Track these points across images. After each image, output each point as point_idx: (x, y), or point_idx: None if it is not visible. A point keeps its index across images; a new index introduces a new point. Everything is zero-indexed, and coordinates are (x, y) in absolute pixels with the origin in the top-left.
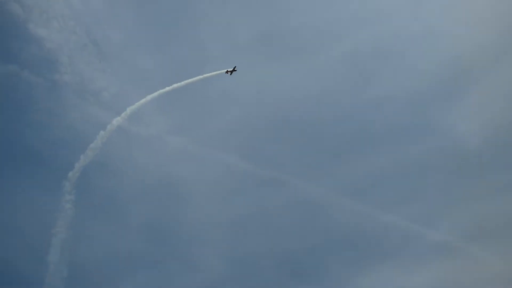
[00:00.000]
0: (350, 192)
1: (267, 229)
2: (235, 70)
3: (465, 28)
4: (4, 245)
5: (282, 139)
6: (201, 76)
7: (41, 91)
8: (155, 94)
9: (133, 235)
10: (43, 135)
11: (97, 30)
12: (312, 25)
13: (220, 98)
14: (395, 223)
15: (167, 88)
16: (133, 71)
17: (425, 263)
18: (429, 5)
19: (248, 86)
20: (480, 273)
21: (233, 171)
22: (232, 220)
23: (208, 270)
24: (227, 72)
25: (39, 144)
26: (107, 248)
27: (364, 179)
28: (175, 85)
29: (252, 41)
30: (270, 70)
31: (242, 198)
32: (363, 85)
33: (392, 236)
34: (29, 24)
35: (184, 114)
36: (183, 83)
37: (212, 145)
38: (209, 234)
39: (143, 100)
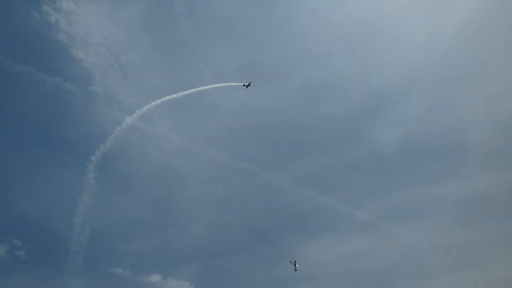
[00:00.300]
0: (302, 181)
1: (241, 206)
2: (250, 86)
3: (387, 68)
4: (42, 210)
5: (255, 141)
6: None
7: (78, 98)
8: (158, 101)
9: (141, 207)
10: (78, 130)
11: (121, 55)
12: (280, 59)
13: (212, 108)
14: (332, 205)
15: (167, 97)
16: (147, 86)
17: (353, 235)
18: (362, 49)
19: (232, 101)
20: (390, 244)
21: (218, 163)
22: (216, 198)
23: (197, 235)
24: (243, 85)
25: (74, 136)
26: (120, 215)
27: (312, 172)
28: (173, 95)
29: (236, 68)
30: (249, 90)
31: (224, 183)
32: (314, 104)
33: (330, 215)
34: (72, 49)
35: (184, 119)
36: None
37: (204, 143)
38: (198, 208)
39: (148, 106)
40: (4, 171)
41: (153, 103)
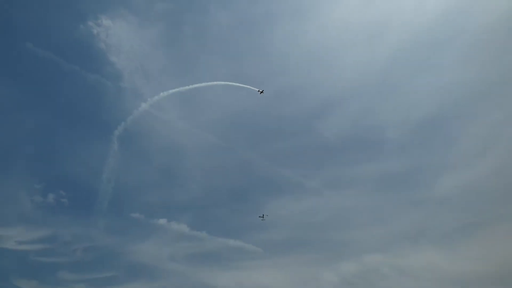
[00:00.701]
0: (270, 158)
1: (225, 174)
2: (263, 92)
3: (332, 81)
4: (81, 170)
5: (238, 128)
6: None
7: (112, 91)
8: (165, 93)
9: (153, 171)
10: (111, 114)
11: (144, 61)
12: (259, 71)
13: (209, 103)
14: (291, 176)
15: (174, 90)
16: (164, 86)
17: (304, 197)
18: (316, 67)
19: (224, 99)
20: (329, 205)
21: (210, 143)
22: (207, 168)
23: (192, 192)
24: (258, 91)
25: (108, 119)
26: (138, 176)
27: (277, 152)
28: (181, 88)
29: (228, 75)
30: (236, 91)
31: (214, 157)
32: (281, 105)
33: (289, 182)
34: (108, 54)
35: (188, 109)
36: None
37: (201, 128)
38: (194, 174)
39: (156, 96)
40: (55, 143)
41: (162, 94)
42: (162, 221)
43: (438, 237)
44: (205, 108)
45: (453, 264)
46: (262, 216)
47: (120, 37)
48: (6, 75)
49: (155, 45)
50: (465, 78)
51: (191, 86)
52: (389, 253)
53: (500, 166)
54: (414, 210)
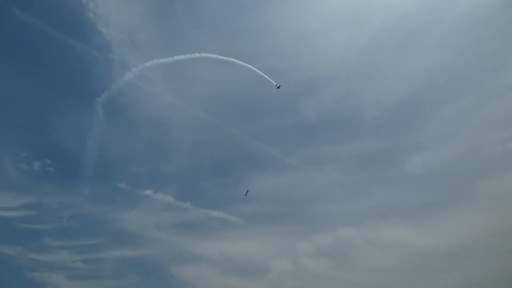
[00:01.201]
0: (254, 135)
1: (210, 148)
2: (280, 87)
3: (316, 64)
4: (69, 139)
5: (225, 104)
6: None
7: (100, 63)
8: (150, 62)
9: (141, 142)
10: (99, 85)
11: (134, 34)
12: (247, 49)
13: (197, 79)
14: (273, 152)
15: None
16: (150, 56)
17: (285, 173)
18: (301, 50)
19: (213, 74)
20: (308, 181)
21: (197, 117)
22: (193, 141)
23: (178, 165)
24: (276, 86)
25: (96, 89)
26: (126, 147)
27: (261, 129)
28: (169, 58)
29: (216, 53)
30: (225, 68)
31: (200, 131)
32: (267, 85)
33: (270, 158)
34: (97, 25)
35: (177, 84)
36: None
37: (189, 102)
38: (181, 147)
39: (141, 66)
40: (42, 112)
41: (146, 64)
42: (148, 191)
43: (407, 213)
44: (193, 83)
45: (419, 239)
46: (246, 191)
47: (109, 8)
48: None
49: (145, 18)
50: (441, 64)
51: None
52: (361, 226)
53: (468, 149)
54: (386, 187)
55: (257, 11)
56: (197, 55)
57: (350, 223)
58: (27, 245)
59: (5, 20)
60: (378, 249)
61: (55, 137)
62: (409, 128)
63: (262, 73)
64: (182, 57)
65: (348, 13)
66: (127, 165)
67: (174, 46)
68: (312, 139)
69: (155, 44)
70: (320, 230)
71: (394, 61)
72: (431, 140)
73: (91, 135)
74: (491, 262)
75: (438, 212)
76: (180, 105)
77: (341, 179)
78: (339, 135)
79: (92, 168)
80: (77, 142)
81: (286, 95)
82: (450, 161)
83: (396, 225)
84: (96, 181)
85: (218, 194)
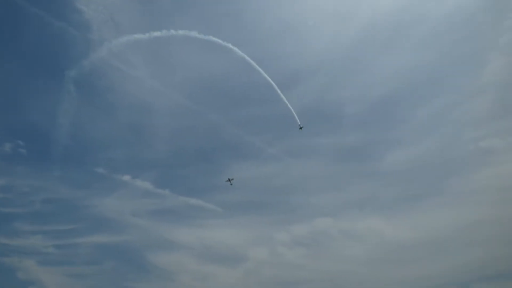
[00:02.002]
0: (237, 123)
1: (192, 135)
2: (302, 128)
3: (301, 55)
4: (41, 119)
5: (208, 92)
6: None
7: (78, 42)
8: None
9: (120, 126)
10: (75, 65)
11: (115, 14)
12: (231, 35)
13: (182, 66)
14: (255, 142)
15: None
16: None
17: (267, 163)
18: (286, 41)
19: (197, 61)
20: (289, 171)
21: (179, 103)
22: (175, 128)
23: (158, 151)
24: (299, 126)
25: (71, 69)
26: (103, 130)
27: (244, 118)
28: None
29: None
30: (209, 57)
31: (182, 118)
32: (250, 74)
33: (253, 148)
34: (76, 2)
35: (160, 69)
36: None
37: (171, 88)
38: (161, 133)
39: (115, 41)
40: (14, 91)
41: (121, 39)
42: (126, 177)
43: (382, 206)
44: (176, 68)
45: (394, 231)
46: (229, 180)
47: None
48: None
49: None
50: (422, 63)
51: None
52: (338, 217)
53: (442, 146)
54: (364, 181)
55: None
56: (174, 32)
57: (328, 214)
58: None
59: None
60: (353, 240)
61: (28, 118)
62: (388, 124)
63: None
64: (159, 33)
65: (335, 6)
66: (105, 149)
67: (156, 29)
68: (293, 130)
69: (137, 26)
70: (297, 220)
71: (377, 57)
72: (408, 137)
73: (67, 117)
74: (460, 253)
75: (412, 206)
76: (162, 90)
77: (320, 171)
78: (320, 128)
79: (66, 150)
80: (52, 124)
81: (270, 84)
82: (425, 158)
83: (372, 217)
84: (71, 165)
85: (198, 182)
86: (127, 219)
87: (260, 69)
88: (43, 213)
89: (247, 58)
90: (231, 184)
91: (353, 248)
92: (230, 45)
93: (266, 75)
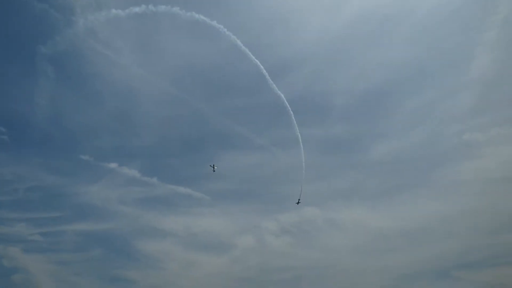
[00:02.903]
0: (224, 113)
1: (179, 124)
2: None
3: (292, 44)
4: (23, 105)
5: (196, 81)
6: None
7: (61, 25)
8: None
9: (105, 117)
10: (57, 49)
11: None
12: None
13: (169, 51)
14: (242, 132)
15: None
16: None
17: (253, 153)
18: (277, 29)
19: (185, 49)
20: (275, 162)
21: (167, 92)
22: (162, 117)
23: (145, 140)
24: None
25: (53, 55)
26: (89, 116)
27: (231, 108)
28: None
29: (189, 26)
30: (197, 46)
31: (169, 106)
32: (238, 62)
33: (240, 137)
34: None
35: (146, 56)
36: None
37: (159, 76)
38: (148, 122)
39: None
40: None
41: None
42: (113, 165)
43: (368, 196)
44: (163, 55)
45: (378, 221)
46: (213, 166)
47: None
48: None
49: None
50: (409, 57)
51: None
52: (324, 207)
53: (427, 139)
54: (350, 171)
55: None
56: (154, 9)
57: (314, 203)
58: None
59: None
60: (338, 229)
61: (9, 104)
62: (375, 116)
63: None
64: (138, 9)
65: None
66: (91, 137)
67: (144, 13)
68: (281, 121)
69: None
70: (284, 209)
71: (365, 50)
72: (394, 129)
73: (50, 104)
74: (442, 242)
75: (396, 196)
76: (149, 78)
77: (308, 161)
78: (308, 119)
79: (51, 137)
80: (34, 110)
81: (258, 73)
82: (410, 150)
83: (357, 207)
84: (56, 152)
85: (186, 170)
86: (114, 207)
87: (250, 55)
88: (28, 200)
89: (236, 40)
90: (213, 171)
91: (338, 237)
92: (215, 23)
93: (258, 62)
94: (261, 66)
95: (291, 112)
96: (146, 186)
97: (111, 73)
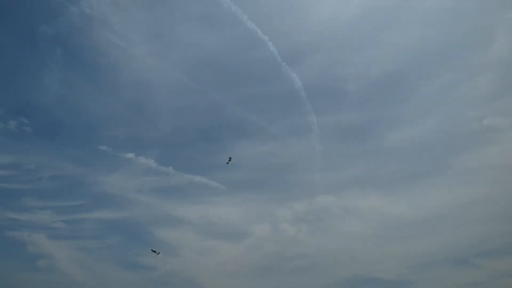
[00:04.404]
0: (238, 102)
1: (193, 114)
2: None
3: (304, 30)
4: (45, 97)
5: (209, 70)
6: None
7: (76, 18)
8: None
9: (121, 107)
10: (75, 41)
11: None
12: (230, 14)
13: (182, 43)
14: (256, 120)
15: None
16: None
17: (267, 141)
18: (289, 16)
19: (196, 38)
20: (288, 150)
21: (181, 82)
22: (176, 107)
23: (161, 130)
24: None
25: (72, 45)
26: (106, 108)
27: (245, 97)
28: None
29: (200, 17)
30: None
31: (183, 96)
32: (251, 50)
33: (253, 126)
34: None
35: (160, 46)
36: None
37: (173, 67)
38: (163, 112)
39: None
40: (15, 68)
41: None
42: (130, 155)
43: (383, 184)
44: (177, 45)
45: (394, 208)
46: (229, 158)
47: None
48: None
49: None
50: (426, 38)
51: None
52: (339, 195)
53: (445, 124)
54: (365, 159)
55: None
56: None
57: (329, 191)
58: (6, 205)
59: None
60: (354, 217)
61: (31, 96)
62: (390, 101)
63: None
64: None
65: None
66: (108, 127)
67: (156, 3)
68: (295, 108)
69: (136, 3)
70: (299, 197)
71: (380, 32)
72: (410, 115)
73: (69, 95)
74: (460, 229)
75: (413, 184)
76: (163, 69)
77: (322, 149)
78: (322, 105)
79: (70, 128)
80: (56, 102)
81: (271, 61)
82: (427, 136)
83: (373, 195)
84: (77, 143)
85: (201, 160)
86: (131, 196)
87: (267, 41)
88: (51, 189)
89: (254, 27)
90: (227, 163)
91: (354, 224)
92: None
93: (273, 49)
94: (276, 53)
95: (306, 99)
96: (162, 176)
97: (126, 64)
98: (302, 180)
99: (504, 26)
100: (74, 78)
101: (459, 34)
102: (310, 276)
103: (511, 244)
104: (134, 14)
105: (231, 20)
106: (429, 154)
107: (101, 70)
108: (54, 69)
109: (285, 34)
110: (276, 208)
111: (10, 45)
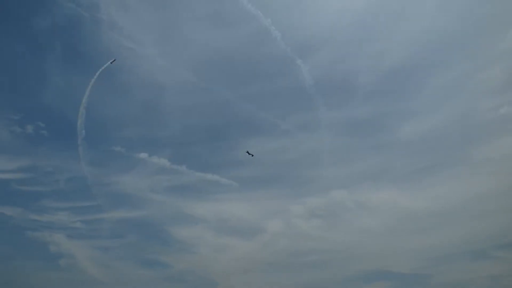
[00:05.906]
0: (248, 99)
1: (204, 113)
2: None
3: (311, 27)
4: (61, 102)
5: (218, 69)
6: None
7: (88, 23)
8: None
9: (134, 107)
10: (85, 45)
11: None
12: (239, 10)
13: (191, 43)
14: (267, 117)
15: None
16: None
17: (279, 137)
18: (295, 12)
19: (205, 38)
20: (299, 145)
21: (191, 82)
22: (187, 106)
23: (173, 129)
24: None
25: (83, 49)
26: (119, 111)
27: (255, 94)
28: None
29: (207, 16)
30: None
31: (194, 96)
32: (260, 46)
33: (265, 123)
34: None
35: (169, 47)
36: None
37: (182, 67)
38: (174, 112)
39: None
40: (30, 73)
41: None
42: (143, 155)
43: (397, 177)
44: (185, 45)
45: (408, 202)
46: (249, 153)
47: None
48: None
49: None
50: (438, 28)
51: None
52: (352, 190)
53: (460, 115)
54: (378, 153)
55: None
56: None
57: (342, 186)
58: (27, 206)
59: None
60: (368, 211)
61: (46, 100)
62: (402, 93)
63: None
64: None
65: None
66: (121, 128)
67: (163, 5)
68: (305, 104)
69: (143, 3)
70: (312, 192)
71: (390, 23)
72: (423, 106)
73: (84, 98)
74: (477, 221)
75: (427, 176)
76: (173, 68)
77: (334, 144)
78: (333, 100)
79: (84, 130)
80: (70, 106)
81: (281, 57)
82: (442, 127)
83: (386, 189)
84: (91, 144)
85: (213, 158)
86: (146, 195)
87: (278, 37)
88: (68, 191)
89: (265, 22)
90: (252, 155)
91: (368, 219)
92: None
93: (284, 44)
94: (285, 49)
95: (316, 94)
96: (175, 174)
97: (136, 65)
98: (314, 175)
99: None
100: (85, 81)
101: (472, 23)
102: (325, 271)
103: None
104: (143, 16)
105: (238, 17)
106: (444, 146)
107: (113, 73)
108: (68, 75)
109: (294, 29)
110: (289, 203)
111: (25, 51)
